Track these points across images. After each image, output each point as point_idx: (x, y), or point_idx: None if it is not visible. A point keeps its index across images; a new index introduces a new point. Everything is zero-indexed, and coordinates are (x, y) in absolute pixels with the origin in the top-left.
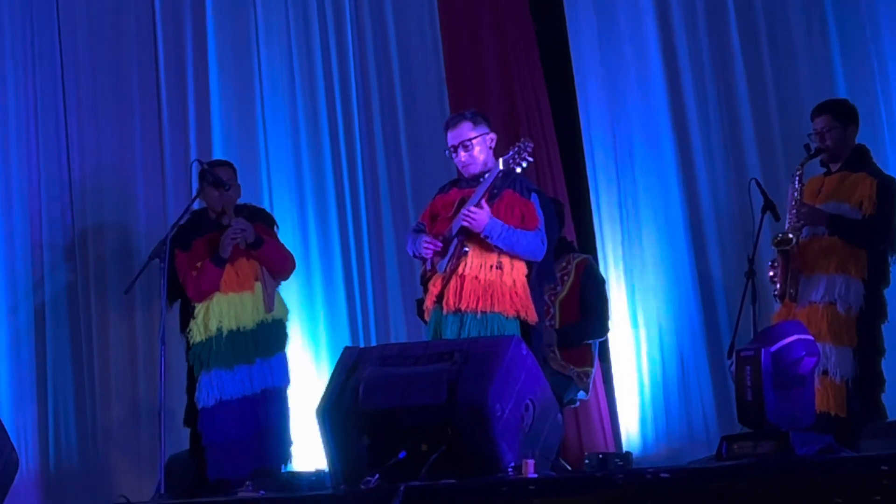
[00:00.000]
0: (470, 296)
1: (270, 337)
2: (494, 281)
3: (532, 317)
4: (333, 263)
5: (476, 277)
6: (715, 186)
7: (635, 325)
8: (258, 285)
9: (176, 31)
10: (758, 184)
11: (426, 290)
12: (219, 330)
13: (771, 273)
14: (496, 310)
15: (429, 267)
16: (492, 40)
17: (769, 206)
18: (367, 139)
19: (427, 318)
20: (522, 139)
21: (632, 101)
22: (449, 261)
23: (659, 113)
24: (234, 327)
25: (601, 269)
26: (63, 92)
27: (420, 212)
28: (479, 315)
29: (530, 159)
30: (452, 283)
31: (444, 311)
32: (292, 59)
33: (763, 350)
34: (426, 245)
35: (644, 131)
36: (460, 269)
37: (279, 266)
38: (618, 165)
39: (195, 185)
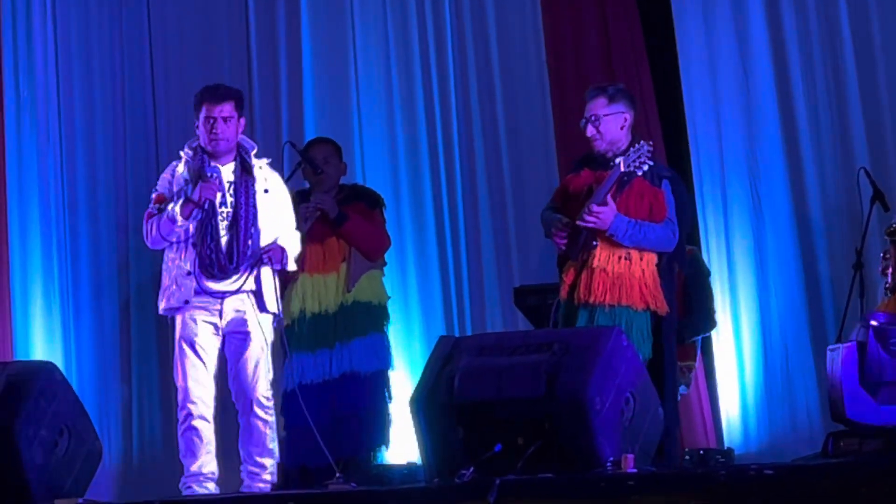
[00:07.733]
0: (599, 288)
1: (351, 320)
2: (623, 273)
3: (662, 307)
4: (428, 250)
5: (604, 270)
6: (822, 176)
7: (738, 318)
8: (343, 266)
9: (268, 15)
10: (867, 173)
11: (561, 276)
12: (301, 312)
13: (883, 265)
14: (625, 303)
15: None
16: (594, 23)
17: (878, 196)
18: (465, 124)
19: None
20: (640, 141)
21: (737, 89)
22: (580, 252)
23: (765, 101)
24: (317, 310)
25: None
26: (151, 72)
27: (516, 200)
28: (607, 309)
29: (650, 163)
30: (583, 276)
31: (576, 304)
32: (388, 42)
33: None
34: (557, 234)
35: (749, 120)
36: (590, 262)
37: (365, 245)
38: (722, 154)
39: (286, 168)
